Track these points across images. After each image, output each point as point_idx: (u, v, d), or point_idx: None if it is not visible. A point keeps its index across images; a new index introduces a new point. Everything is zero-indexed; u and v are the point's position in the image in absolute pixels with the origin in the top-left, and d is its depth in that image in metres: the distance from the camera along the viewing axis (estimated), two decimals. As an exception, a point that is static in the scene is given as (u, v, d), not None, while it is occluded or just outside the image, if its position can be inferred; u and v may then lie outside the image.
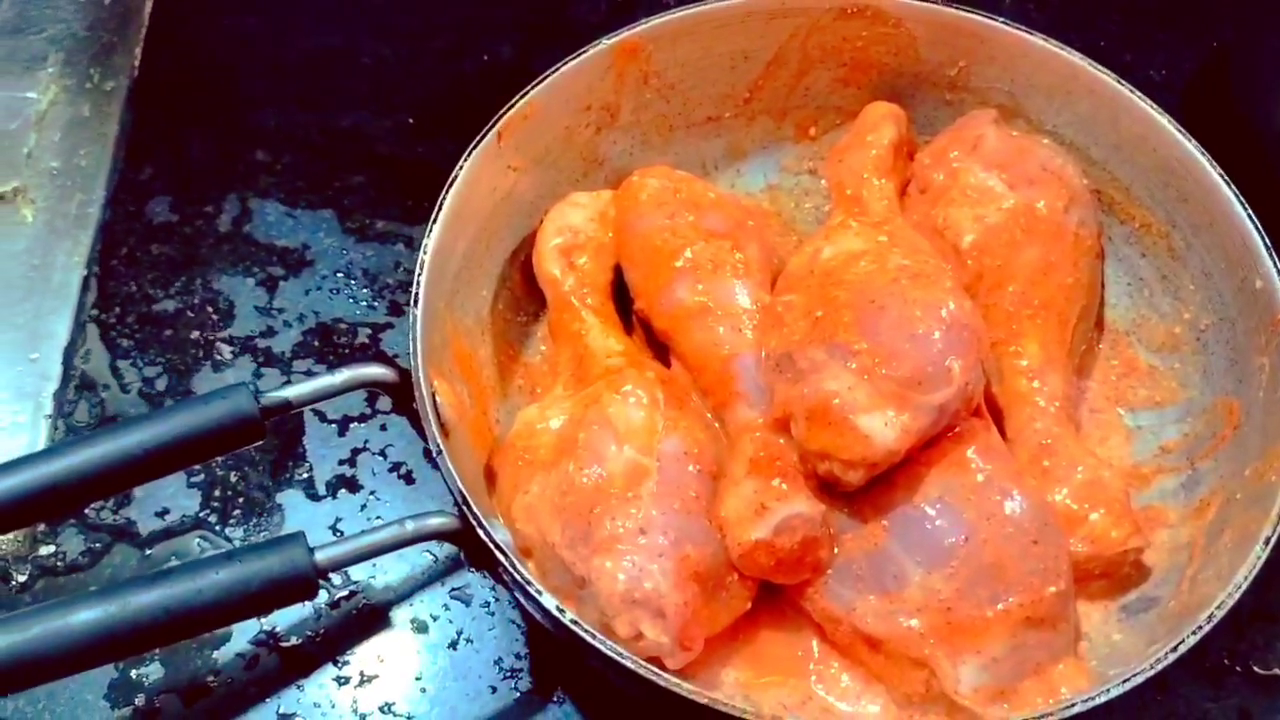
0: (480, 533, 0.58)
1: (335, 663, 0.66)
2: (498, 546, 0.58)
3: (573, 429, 0.64)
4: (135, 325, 0.77)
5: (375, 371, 0.64)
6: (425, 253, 0.65)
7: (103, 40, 0.89)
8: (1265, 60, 0.84)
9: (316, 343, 0.76)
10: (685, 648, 0.60)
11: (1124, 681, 0.56)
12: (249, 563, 0.58)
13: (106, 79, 0.87)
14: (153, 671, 0.65)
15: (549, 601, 0.57)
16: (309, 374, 0.75)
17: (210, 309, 0.78)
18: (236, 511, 0.71)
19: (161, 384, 0.75)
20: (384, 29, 0.90)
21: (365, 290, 0.78)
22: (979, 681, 0.60)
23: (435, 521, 0.61)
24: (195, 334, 0.77)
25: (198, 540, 0.70)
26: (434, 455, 0.60)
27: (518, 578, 0.58)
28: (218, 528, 0.70)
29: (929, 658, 0.61)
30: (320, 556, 0.59)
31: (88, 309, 0.78)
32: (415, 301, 0.63)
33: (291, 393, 0.62)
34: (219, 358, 0.76)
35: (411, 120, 0.86)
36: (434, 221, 0.66)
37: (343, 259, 0.80)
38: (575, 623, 0.57)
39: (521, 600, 0.60)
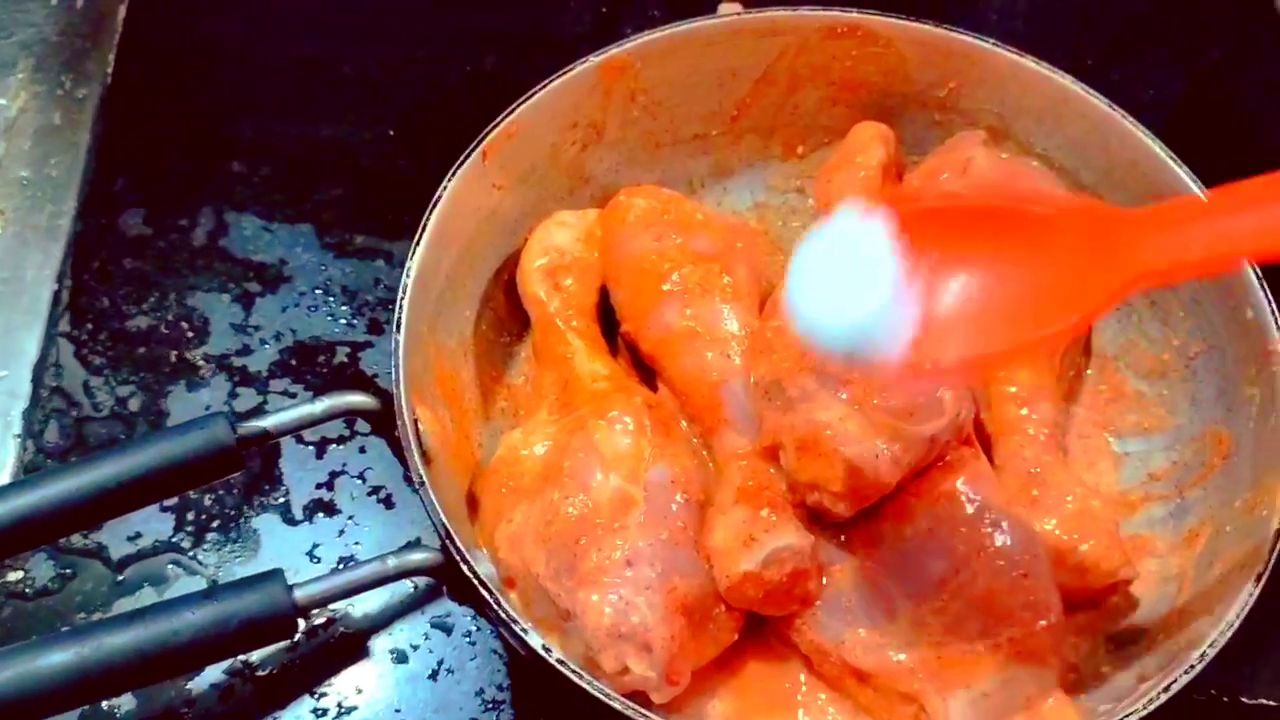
0: (464, 569, 0.57)
1: (313, 693, 0.65)
2: (483, 583, 0.57)
3: (558, 456, 0.63)
4: (108, 342, 0.75)
5: (356, 399, 0.63)
6: (408, 275, 0.63)
7: (75, 46, 0.87)
8: (1254, 80, 0.84)
9: (294, 361, 0.74)
10: (672, 682, 0.59)
11: (1116, 720, 0.55)
12: (226, 601, 0.56)
13: (79, 86, 0.85)
14: (125, 703, 0.63)
15: (534, 640, 0.56)
16: (286, 394, 0.73)
17: (185, 326, 0.76)
18: (210, 536, 0.69)
19: (135, 403, 0.73)
20: (365, 39, 0.88)
21: (344, 307, 0.77)
22: (968, 716, 0.59)
23: (417, 557, 0.60)
24: (169, 352, 0.75)
25: (170, 565, 0.68)
26: (417, 486, 0.59)
27: (503, 614, 0.56)
28: (191, 553, 0.68)
29: (918, 692, 0.60)
30: (300, 595, 0.58)
31: (59, 325, 0.76)
32: (398, 327, 0.61)
33: (270, 422, 0.61)
34: (193, 376, 0.74)
35: (392, 132, 0.84)
36: (417, 243, 0.64)
37: (321, 275, 0.78)
38: (561, 662, 0.56)
39: (506, 637, 0.59)
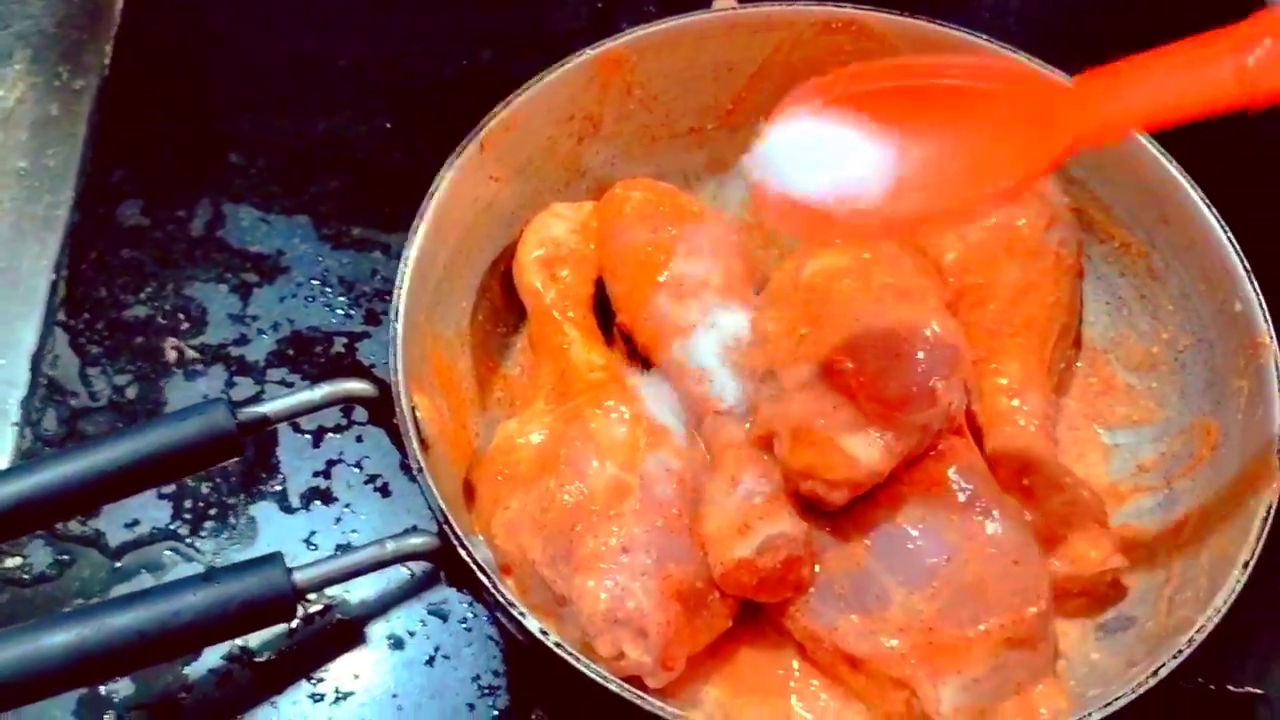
0: (462, 553, 0.58)
1: (309, 679, 0.65)
2: (480, 568, 0.57)
3: (554, 444, 0.64)
4: (105, 331, 0.75)
5: (355, 386, 0.64)
6: (406, 264, 0.64)
7: (72, 37, 0.87)
8: None
9: (291, 352, 0.75)
10: (667, 667, 0.60)
11: (1105, 705, 0.56)
12: (226, 584, 0.57)
13: (76, 77, 0.85)
14: (122, 688, 0.64)
15: (532, 624, 0.57)
16: (283, 384, 0.74)
17: (182, 316, 0.76)
18: (208, 523, 0.69)
19: (132, 392, 0.73)
20: (363, 32, 0.89)
21: (341, 298, 0.77)
22: (959, 702, 0.60)
23: (415, 541, 0.61)
24: (166, 341, 0.75)
25: (167, 552, 0.69)
26: (415, 473, 0.59)
27: (500, 599, 0.57)
28: (188, 540, 0.69)
29: (910, 678, 0.61)
30: (299, 577, 0.58)
31: (55, 314, 0.76)
32: (396, 315, 0.62)
33: (269, 408, 0.61)
34: (190, 366, 0.74)
35: (389, 125, 0.85)
36: (414, 232, 0.65)
37: (318, 266, 0.78)
38: (559, 645, 0.56)
39: (503, 621, 0.59)
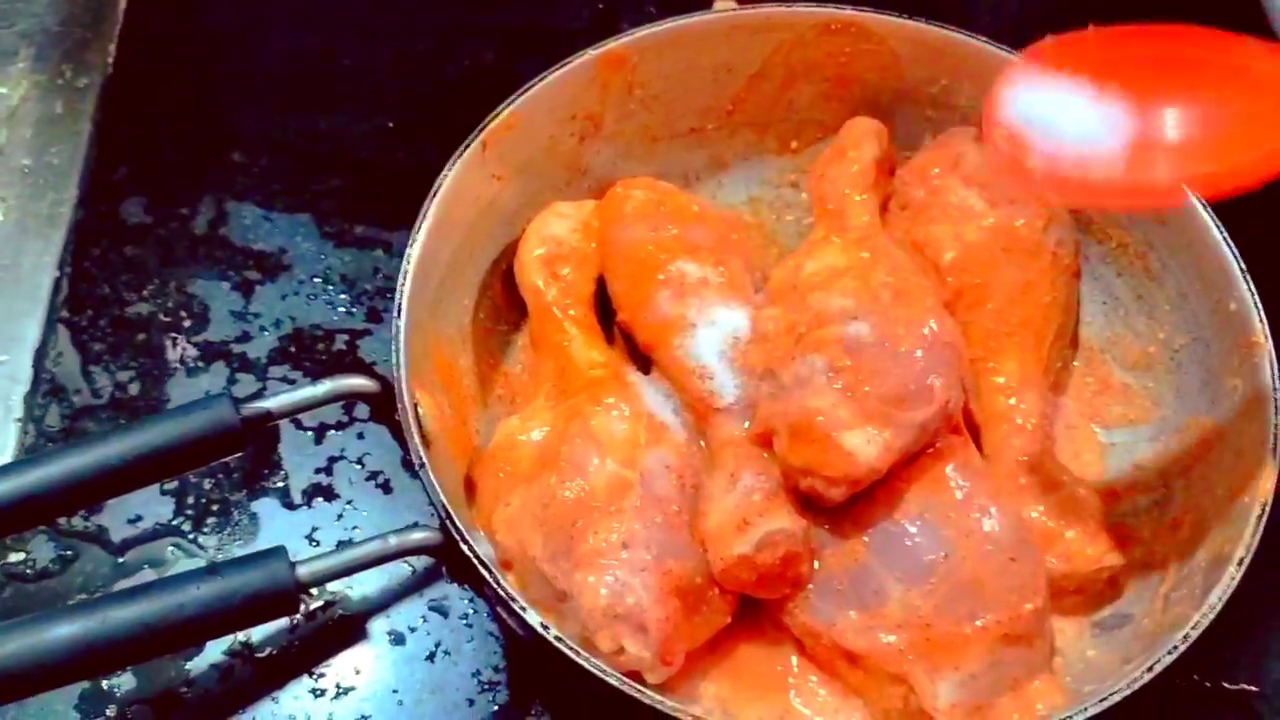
0: (464, 547, 0.58)
1: (311, 674, 0.66)
2: (482, 562, 0.58)
3: (555, 441, 0.64)
4: (107, 328, 0.76)
5: (358, 382, 0.64)
6: (409, 262, 0.64)
7: (76, 36, 0.88)
8: None
9: (293, 349, 0.75)
10: (666, 663, 0.60)
11: (1100, 700, 0.57)
12: (230, 577, 0.57)
13: (79, 75, 0.86)
14: (125, 682, 0.64)
15: (533, 618, 0.57)
16: (285, 381, 0.74)
17: (184, 313, 0.76)
18: (210, 520, 0.70)
19: (134, 389, 0.74)
20: (365, 31, 0.89)
21: (343, 296, 0.78)
22: (956, 697, 0.60)
23: (418, 536, 0.61)
24: (169, 338, 0.76)
25: (170, 548, 0.69)
26: (417, 468, 0.60)
27: (502, 593, 0.57)
28: (191, 536, 0.69)
29: (908, 673, 0.61)
30: (302, 571, 0.59)
31: (59, 311, 0.76)
32: (398, 312, 0.62)
33: (273, 403, 0.62)
34: (193, 363, 0.75)
35: (391, 124, 0.85)
36: (418, 230, 0.65)
37: (320, 264, 0.79)
38: (560, 639, 0.57)
39: (504, 615, 0.60)
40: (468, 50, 0.88)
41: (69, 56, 0.87)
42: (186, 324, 0.76)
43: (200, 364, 0.75)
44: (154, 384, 0.74)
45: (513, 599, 0.57)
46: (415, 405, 0.61)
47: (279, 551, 0.59)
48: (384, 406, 0.64)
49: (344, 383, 0.64)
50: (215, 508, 0.70)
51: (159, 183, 0.81)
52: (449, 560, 0.66)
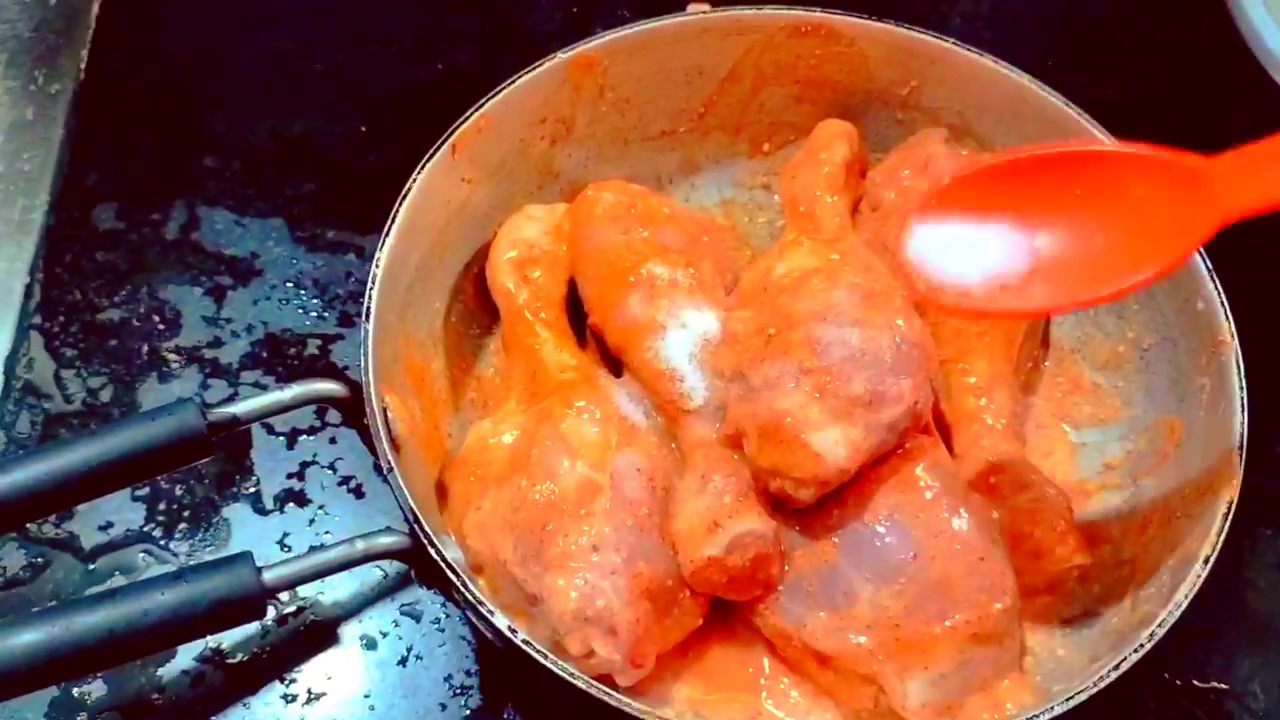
0: (432, 552, 0.58)
1: (282, 680, 0.66)
2: (449, 566, 0.58)
3: (525, 444, 0.64)
4: (79, 334, 0.76)
5: (326, 387, 0.64)
6: (377, 266, 0.64)
7: (48, 42, 0.87)
8: (1208, 83, 0.86)
9: (265, 354, 0.75)
10: (636, 665, 0.60)
11: (1068, 699, 0.57)
12: (195, 583, 0.57)
13: (51, 81, 0.86)
14: (95, 689, 0.64)
15: (501, 621, 0.57)
16: (257, 386, 0.74)
17: (156, 318, 0.76)
18: (182, 526, 0.70)
19: (106, 394, 0.74)
20: (337, 35, 0.89)
21: (315, 300, 0.78)
22: (926, 697, 0.61)
23: (386, 540, 0.61)
24: (141, 344, 0.75)
25: (142, 555, 0.69)
26: (385, 473, 0.60)
27: (469, 597, 0.57)
28: (162, 542, 0.69)
29: (877, 674, 0.61)
30: (268, 576, 0.58)
31: (30, 317, 0.76)
32: (367, 315, 0.62)
33: (240, 409, 0.62)
34: (165, 368, 0.74)
35: (364, 128, 0.85)
36: (386, 234, 0.65)
37: (292, 268, 0.79)
38: (527, 643, 0.57)
39: (473, 619, 0.60)
40: (441, 53, 0.88)
41: (41, 62, 0.86)
42: (159, 329, 0.76)
43: (172, 369, 0.74)
44: (126, 389, 0.74)
45: (480, 603, 0.57)
46: (385, 410, 0.61)
47: (245, 556, 0.59)
48: (354, 411, 0.64)
49: (313, 387, 0.63)
50: (187, 514, 0.70)
51: (131, 188, 0.81)
52: (419, 565, 0.66)
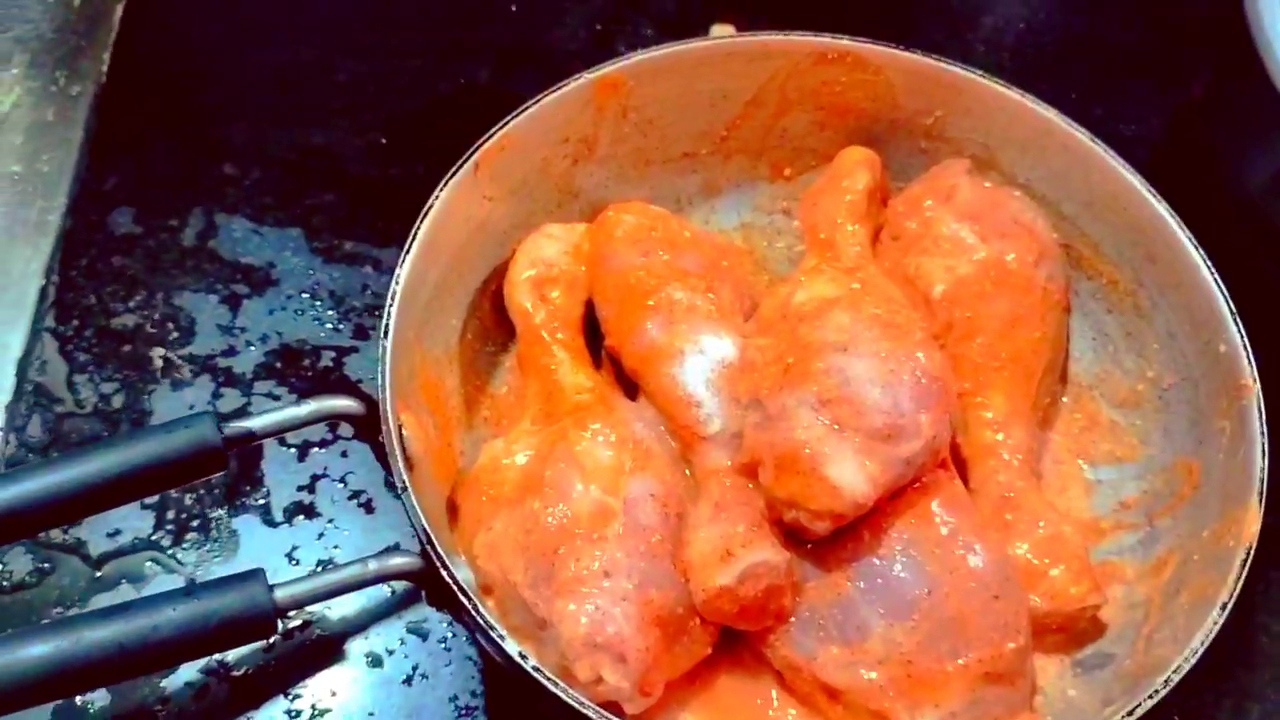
0: (444, 574, 0.57)
1: (287, 695, 0.65)
2: (461, 589, 0.57)
3: (539, 465, 0.63)
4: (93, 339, 0.75)
5: (342, 403, 0.63)
6: (397, 283, 0.64)
7: (70, 43, 0.87)
8: (1234, 117, 0.85)
9: (279, 364, 0.75)
10: (645, 693, 0.59)
11: (1081, 743, 0.56)
12: (206, 599, 0.56)
13: (73, 83, 0.85)
14: (98, 699, 0.63)
15: (511, 647, 0.56)
16: (270, 397, 0.74)
17: (171, 325, 0.76)
18: (190, 535, 0.69)
19: (118, 401, 0.73)
20: (360, 47, 0.89)
21: (331, 312, 0.77)
22: (937, 736, 0.60)
23: (397, 561, 0.60)
24: (154, 351, 0.75)
25: (149, 563, 0.68)
26: (399, 492, 0.59)
27: (480, 621, 0.57)
28: (170, 551, 0.69)
29: (888, 710, 0.61)
30: (280, 595, 0.58)
31: (45, 320, 0.76)
32: (385, 333, 0.62)
33: (256, 423, 0.61)
34: (178, 376, 0.74)
35: (384, 140, 0.85)
36: (407, 251, 0.65)
37: (309, 279, 0.78)
38: (537, 669, 0.56)
39: (482, 643, 0.59)
40: (463, 68, 0.88)
41: (63, 63, 0.86)
42: (173, 336, 0.75)
43: (185, 377, 0.74)
44: (138, 396, 0.73)
45: (490, 627, 0.57)
46: (399, 428, 0.61)
47: (257, 574, 0.58)
48: (368, 426, 0.64)
49: (328, 403, 0.63)
50: (195, 523, 0.69)
51: (149, 193, 0.81)
52: (428, 585, 0.66)
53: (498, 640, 0.56)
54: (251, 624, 0.57)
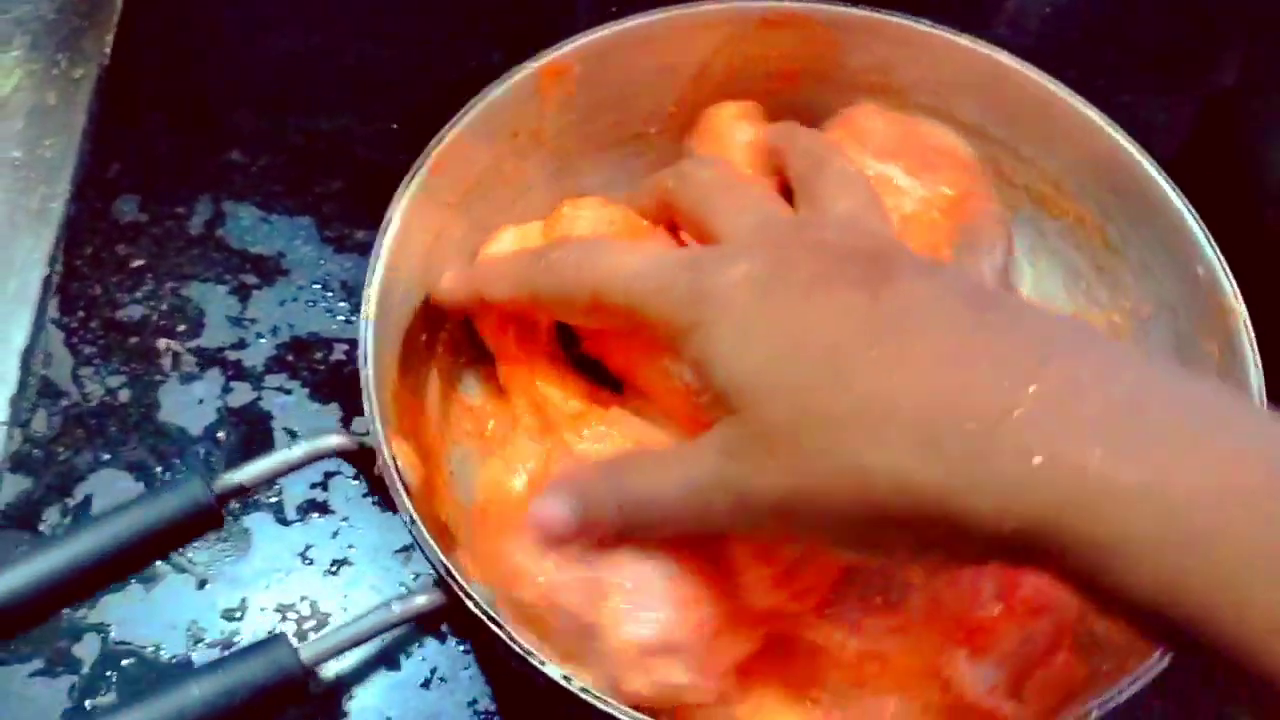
0: (471, 605, 0.30)
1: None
2: (494, 620, 0.30)
3: (543, 478, 0.34)
4: (99, 330, 0.43)
5: (335, 441, 0.34)
6: (368, 303, 0.33)
7: (72, 25, 0.51)
8: (1267, 110, 0.53)
9: (290, 357, 0.44)
10: (707, 683, 0.33)
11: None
12: (231, 670, 0.29)
13: (75, 66, 0.50)
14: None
15: (554, 671, 0.30)
16: (282, 391, 0.43)
17: (179, 317, 0.44)
18: (202, 535, 0.39)
19: (125, 395, 0.42)
20: (370, 30, 0.54)
21: (343, 304, 0.46)
22: (995, 680, 0.35)
23: (420, 600, 0.33)
24: (162, 343, 0.43)
25: (159, 561, 0.39)
26: (407, 527, 0.31)
27: (518, 649, 0.30)
28: (181, 551, 0.39)
29: (944, 664, 0.35)
30: (306, 654, 0.31)
31: (49, 311, 0.44)
32: (364, 361, 0.31)
33: (245, 475, 0.33)
34: (186, 369, 0.42)
35: (395, 126, 0.51)
36: (372, 272, 0.34)
37: (320, 269, 0.46)
38: (585, 690, 0.30)
39: (515, 666, 0.31)
40: (475, 52, 0.53)
41: (64, 46, 0.50)
42: (181, 328, 0.44)
43: (194, 370, 0.42)
44: (146, 390, 0.42)
45: (530, 654, 0.30)
46: (395, 459, 0.31)
47: (279, 639, 0.32)
48: (364, 462, 0.34)
49: (320, 443, 0.34)
50: (210, 522, 0.39)
51: (154, 180, 0.48)
52: (451, 618, 0.37)
53: (538, 666, 0.30)
54: (282, 688, 0.31)
